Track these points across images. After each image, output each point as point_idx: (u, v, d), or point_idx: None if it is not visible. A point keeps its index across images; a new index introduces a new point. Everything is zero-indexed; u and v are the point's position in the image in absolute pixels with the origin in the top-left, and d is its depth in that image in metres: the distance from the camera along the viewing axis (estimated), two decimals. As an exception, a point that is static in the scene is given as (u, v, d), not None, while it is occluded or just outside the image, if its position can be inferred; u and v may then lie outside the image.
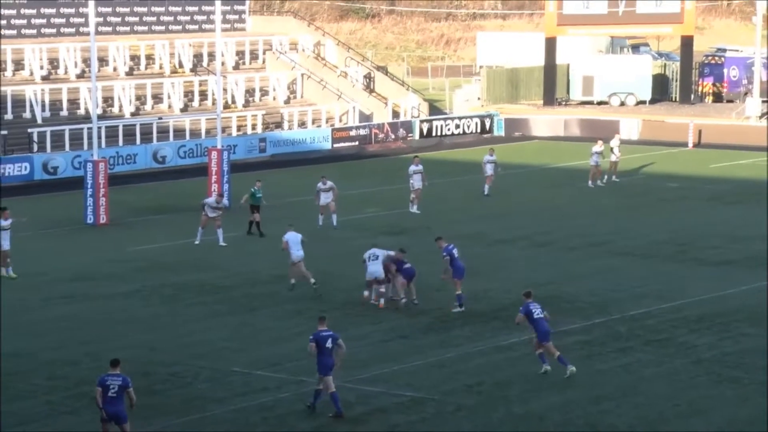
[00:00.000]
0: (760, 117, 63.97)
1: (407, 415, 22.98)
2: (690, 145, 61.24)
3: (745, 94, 68.50)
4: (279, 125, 61.71)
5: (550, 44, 69.18)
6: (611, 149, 49.55)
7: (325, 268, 33.29)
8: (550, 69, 69.25)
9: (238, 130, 59.87)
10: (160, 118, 57.43)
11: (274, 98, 64.29)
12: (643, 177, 51.79)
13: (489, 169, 45.81)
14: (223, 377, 24.97)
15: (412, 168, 42.76)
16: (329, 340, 22.87)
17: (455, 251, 30.29)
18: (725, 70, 71.95)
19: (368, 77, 68.46)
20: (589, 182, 48.39)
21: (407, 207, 42.85)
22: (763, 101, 64.81)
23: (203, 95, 61.48)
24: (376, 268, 30.10)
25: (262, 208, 39.21)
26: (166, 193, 47.46)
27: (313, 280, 31.30)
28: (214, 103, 57.35)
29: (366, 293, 30.40)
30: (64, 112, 56.35)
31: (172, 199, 46.06)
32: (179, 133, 57.41)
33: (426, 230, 38.68)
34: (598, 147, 48.40)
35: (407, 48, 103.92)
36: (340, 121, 63.98)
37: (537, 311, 25.33)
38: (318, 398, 23.04)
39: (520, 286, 32.49)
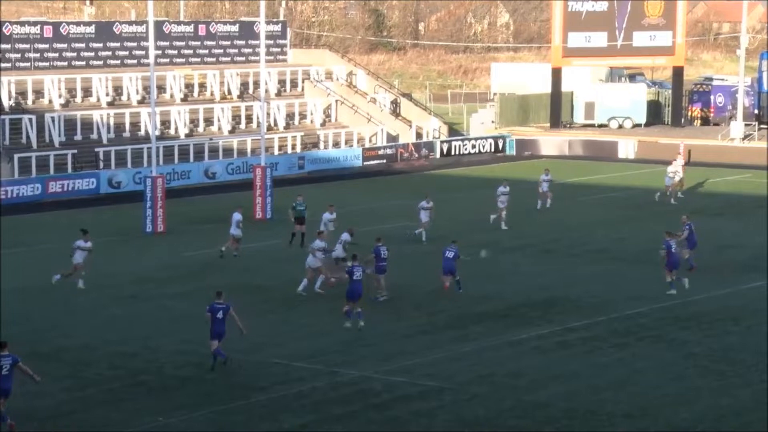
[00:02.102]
0: (743, 138, 63.64)
1: (427, 402, 22.94)
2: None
3: (730, 118, 68.11)
4: (316, 145, 61.78)
5: (556, 74, 69.00)
6: (674, 172, 48.56)
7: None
8: (556, 95, 69.07)
9: (280, 149, 59.96)
10: (211, 139, 57.61)
11: (312, 121, 64.37)
12: (639, 192, 51.54)
13: (545, 187, 45.45)
14: (264, 368, 24.99)
15: (500, 189, 41.86)
16: (220, 312, 24.34)
17: (383, 251, 30.49)
18: (712, 97, 71.60)
19: (395, 103, 68.47)
20: (671, 199, 47.63)
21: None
22: (745, 124, 64.47)
23: (249, 119, 61.61)
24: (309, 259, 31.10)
25: (307, 220, 38.00)
26: (216, 205, 47.53)
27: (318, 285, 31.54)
28: (258, 126, 57.46)
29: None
30: (127, 134, 56.57)
31: (221, 210, 46.06)
32: (228, 152, 57.54)
33: (442, 239, 38.59)
34: (676, 165, 47.49)
35: (429, 77, 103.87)
36: (370, 141, 64.00)
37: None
38: (216, 359, 24.35)
39: (530, 288, 32.53)
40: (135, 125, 57.18)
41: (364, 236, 32.96)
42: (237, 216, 36.37)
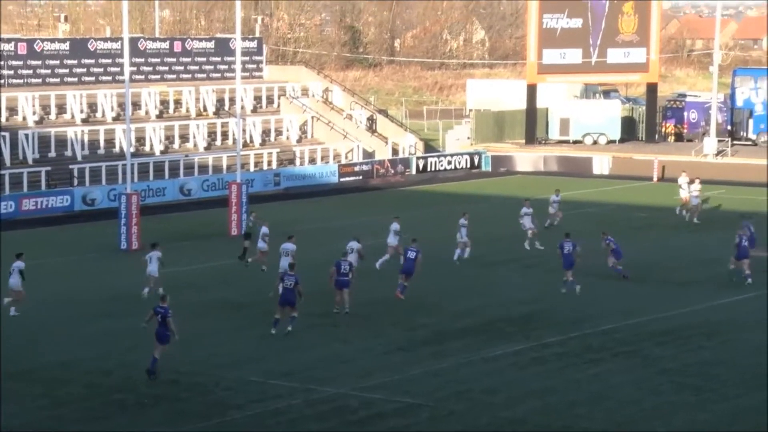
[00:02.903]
0: (716, 154, 64.03)
1: (404, 419, 22.93)
2: (655, 179, 61.29)
3: (703, 134, 68.49)
4: (292, 161, 61.76)
5: (531, 90, 69.30)
6: (680, 186, 48.75)
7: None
8: (531, 112, 69.35)
9: (256, 165, 59.90)
10: (187, 156, 57.51)
11: (288, 138, 64.36)
12: (614, 207, 51.78)
13: (554, 207, 45.35)
14: (241, 386, 24.92)
15: (524, 210, 41.63)
16: (159, 315, 25.13)
17: (344, 265, 30.84)
18: (685, 113, 72.04)
19: (371, 119, 68.58)
20: (677, 209, 48.00)
21: (406, 233, 42.71)
22: (719, 140, 64.87)
23: (225, 135, 61.55)
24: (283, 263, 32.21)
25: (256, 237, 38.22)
26: (191, 222, 47.46)
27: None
28: (234, 142, 57.42)
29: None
30: (101, 151, 56.41)
31: (196, 227, 46.06)
32: (203, 168, 57.44)
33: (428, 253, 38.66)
34: (696, 185, 47.65)
35: (405, 93, 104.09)
36: (346, 157, 64.05)
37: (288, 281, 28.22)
38: (155, 364, 24.87)
39: (509, 303, 32.61)
40: (110, 142, 57.02)
41: (337, 253, 32.93)
42: (264, 230, 36.61)
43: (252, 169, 58.82)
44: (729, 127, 69.43)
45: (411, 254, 33.08)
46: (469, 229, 38.79)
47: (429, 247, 40.78)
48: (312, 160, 62.35)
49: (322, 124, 65.62)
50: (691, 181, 48.29)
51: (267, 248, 36.32)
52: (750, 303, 33.04)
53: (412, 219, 44.62)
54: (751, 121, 68.60)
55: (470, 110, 79.01)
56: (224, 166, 57.84)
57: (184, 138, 59.84)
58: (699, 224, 46.11)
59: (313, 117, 65.87)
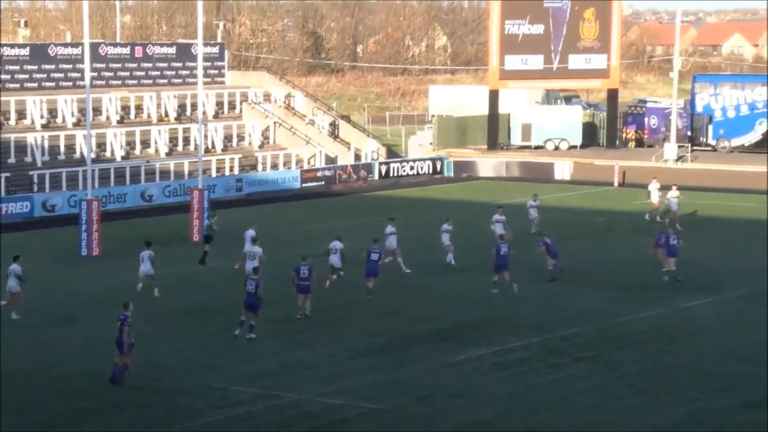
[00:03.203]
0: (677, 160, 64.57)
1: (367, 425, 22.97)
2: (615, 184, 61.68)
3: (664, 139, 69.09)
4: (254, 167, 61.69)
5: (493, 96, 69.60)
6: (650, 192, 49.01)
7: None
8: (493, 117, 69.64)
9: (218, 171, 59.78)
10: (148, 162, 57.31)
11: (250, 143, 64.29)
12: (574, 212, 52.08)
13: (533, 213, 45.51)
14: (203, 392, 24.87)
15: (496, 217, 41.53)
16: (119, 323, 25.24)
17: (303, 269, 30.93)
18: (646, 119, 72.59)
19: (333, 125, 68.65)
20: (647, 215, 48.43)
21: (368, 241, 42.77)
22: (679, 146, 65.44)
23: (186, 141, 61.40)
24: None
25: (214, 241, 39.01)
26: (153, 228, 47.26)
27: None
28: (196, 148, 57.28)
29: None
30: (62, 156, 56.11)
31: (158, 233, 45.87)
32: (165, 174, 57.26)
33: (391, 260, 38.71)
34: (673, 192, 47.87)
35: (368, 99, 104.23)
36: (308, 163, 64.05)
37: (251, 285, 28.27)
38: (117, 371, 24.90)
39: (472, 308, 32.73)
40: (70, 148, 56.73)
41: (297, 259, 32.93)
42: (250, 232, 36.63)
43: (214, 174, 58.69)
44: (689, 133, 70.04)
45: (374, 255, 33.66)
46: (451, 234, 38.96)
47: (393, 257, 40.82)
48: (274, 166, 62.30)
49: (285, 129, 65.58)
50: (669, 188, 48.32)
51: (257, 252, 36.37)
52: (709, 307, 33.37)
53: (376, 224, 44.65)
54: (710, 127, 69.22)
55: (433, 116, 79.27)
56: (186, 172, 57.66)
57: (145, 144, 59.63)
58: (681, 230, 46.20)
59: (275, 122, 65.83)
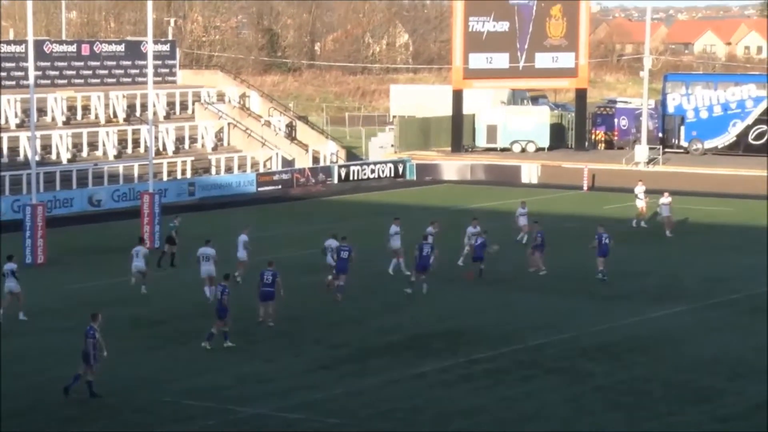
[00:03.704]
0: (648, 162, 64.90)
1: (328, 441, 22.86)
2: (585, 188, 61.94)
3: (634, 141, 69.43)
4: (207, 170, 61.40)
5: (457, 96, 69.69)
6: (636, 196, 49.14)
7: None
8: (457, 118, 69.72)
9: (169, 175, 59.46)
10: (96, 164, 56.90)
11: (203, 145, 64.00)
12: (541, 218, 52.08)
13: (522, 221, 45.28)
14: (153, 406, 24.64)
15: (470, 230, 40.83)
16: (85, 334, 25.17)
17: (266, 275, 31.05)
18: (616, 120, 72.94)
19: (290, 126, 68.47)
20: (633, 222, 48.53)
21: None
22: (650, 148, 65.76)
23: (136, 143, 61.03)
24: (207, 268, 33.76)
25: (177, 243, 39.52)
26: (101, 235, 46.90)
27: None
28: (146, 150, 56.91)
29: None
30: (5, 159, 55.59)
31: (106, 240, 45.54)
32: (113, 178, 56.88)
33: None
34: (640, 187, 48.44)
35: (326, 99, 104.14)
36: (264, 166, 63.84)
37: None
38: (75, 382, 24.75)
39: (436, 318, 32.68)
40: (13, 150, 56.21)
41: (256, 266, 32.74)
42: (243, 237, 36.63)
43: (165, 178, 58.38)
44: (660, 134, 70.46)
45: (344, 253, 34.45)
46: (435, 237, 38.98)
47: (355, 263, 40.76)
48: (228, 169, 62.04)
49: (239, 131, 65.35)
50: (660, 193, 48.48)
51: (247, 258, 36.39)
52: (681, 317, 33.50)
53: (337, 230, 44.54)
54: (682, 128, 69.65)
55: (394, 117, 79.32)
56: (136, 176, 57.30)
57: (92, 146, 59.20)
58: (672, 237, 46.29)
59: (229, 123, 65.57)
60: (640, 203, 49.13)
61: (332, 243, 35.65)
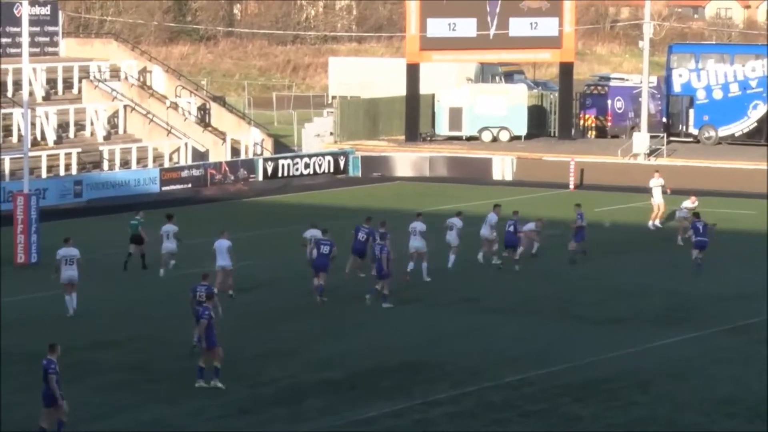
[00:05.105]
0: (649, 154, 65.28)
1: (250, 503, 22.89)
2: (571, 186, 62.27)
3: (632, 128, 69.82)
4: (98, 165, 61.16)
5: (413, 71, 69.85)
6: (651, 194, 50.02)
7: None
8: (412, 100, 69.90)
9: (49, 171, 59.21)
10: (-43, 158, 56.53)
11: (92, 134, 63.75)
12: (521, 223, 52.30)
13: (486, 231, 45.25)
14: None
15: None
16: (44, 371, 25.26)
17: (199, 290, 31.54)
18: (609, 102, 73.39)
19: (203, 109, 68.36)
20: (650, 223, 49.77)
21: (254, 259, 42.64)
22: (651, 136, 66.08)
23: (7, 131, 60.70)
24: None
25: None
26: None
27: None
28: (20, 140, 56.59)
29: None
30: None
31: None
32: (-22, 175, 56.58)
33: (265, 287, 38.59)
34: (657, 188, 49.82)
35: (248, 75, 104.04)
36: (171, 160, 63.70)
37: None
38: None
39: (379, 350, 32.76)
40: None
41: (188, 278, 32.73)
42: (224, 243, 37.88)
43: (44, 175, 58.13)
44: (664, 119, 70.98)
45: (324, 249, 36.36)
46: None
47: (286, 277, 40.80)
48: (125, 164, 61.86)
49: (139, 115, 65.18)
50: (675, 192, 48.88)
51: (231, 266, 37.41)
52: (689, 345, 33.79)
53: (260, 239, 44.56)
54: (692, 112, 70.18)
55: (333, 97, 79.41)
56: (7, 172, 56.98)
57: (-48, 134, 58.88)
58: (683, 246, 46.60)
59: (126, 106, 65.39)
60: (657, 200, 49.40)
61: (315, 233, 37.85)
